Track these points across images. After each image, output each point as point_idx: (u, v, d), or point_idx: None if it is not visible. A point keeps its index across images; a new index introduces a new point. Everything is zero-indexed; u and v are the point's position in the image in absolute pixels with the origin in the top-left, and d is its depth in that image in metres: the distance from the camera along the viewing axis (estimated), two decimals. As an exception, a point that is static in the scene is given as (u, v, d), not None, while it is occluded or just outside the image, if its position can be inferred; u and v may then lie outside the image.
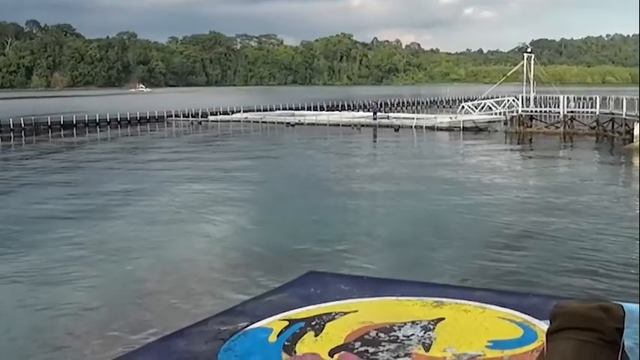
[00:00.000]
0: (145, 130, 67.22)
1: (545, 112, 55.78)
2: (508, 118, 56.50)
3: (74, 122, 69.02)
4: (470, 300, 4.59)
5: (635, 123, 44.74)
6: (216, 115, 77.47)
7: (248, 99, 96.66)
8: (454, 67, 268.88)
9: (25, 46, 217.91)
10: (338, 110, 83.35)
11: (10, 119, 64.96)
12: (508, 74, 70.39)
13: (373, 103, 78.07)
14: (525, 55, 64.59)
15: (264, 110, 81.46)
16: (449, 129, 57.80)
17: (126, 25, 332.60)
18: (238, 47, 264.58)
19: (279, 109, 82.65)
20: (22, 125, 65.12)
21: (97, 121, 70.63)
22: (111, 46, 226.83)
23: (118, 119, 72.58)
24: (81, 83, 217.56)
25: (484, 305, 4.50)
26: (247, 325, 4.29)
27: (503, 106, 57.70)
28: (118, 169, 38.70)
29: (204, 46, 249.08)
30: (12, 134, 62.20)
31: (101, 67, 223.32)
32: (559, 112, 54.34)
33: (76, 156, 47.19)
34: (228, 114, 78.68)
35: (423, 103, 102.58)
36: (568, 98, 54.37)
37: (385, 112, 73.50)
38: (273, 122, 68.61)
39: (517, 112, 55.88)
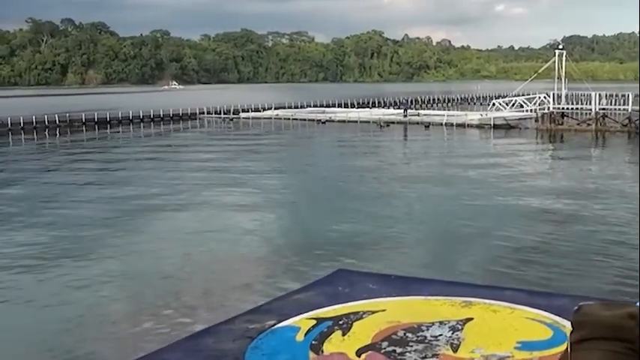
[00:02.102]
0: (177, 129, 67.47)
1: (577, 109, 55.15)
2: (539, 115, 55.95)
3: (108, 119, 69.63)
4: (499, 300, 4.53)
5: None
6: (247, 112, 77.62)
7: (279, 96, 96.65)
8: (485, 63, 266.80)
9: (60, 43, 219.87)
10: (368, 107, 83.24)
11: (45, 116, 65.68)
12: (539, 71, 69.74)
13: (404, 100, 77.72)
14: (557, 51, 63.96)
15: (295, 107, 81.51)
16: (479, 126, 57.37)
17: (159, 23, 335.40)
18: (270, 44, 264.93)
19: (310, 106, 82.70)
20: (57, 122, 65.78)
21: (131, 118, 71.17)
22: (144, 44, 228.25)
23: (151, 116, 73.05)
24: (115, 80, 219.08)
25: (513, 305, 4.44)
26: (275, 324, 4.27)
27: (535, 104, 57.20)
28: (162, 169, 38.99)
29: (236, 44, 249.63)
30: (47, 132, 62.85)
31: (135, 65, 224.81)
32: (591, 110, 53.69)
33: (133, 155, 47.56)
34: (260, 111, 78.76)
35: (453, 100, 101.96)
36: (600, 95, 53.68)
37: (415, 109, 73.14)
38: (304, 119, 68.61)
39: (548, 109, 55.33)
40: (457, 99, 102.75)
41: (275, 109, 78.78)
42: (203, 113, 76.65)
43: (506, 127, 56.04)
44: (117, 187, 30.98)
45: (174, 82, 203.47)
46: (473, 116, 60.99)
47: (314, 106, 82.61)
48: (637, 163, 37.47)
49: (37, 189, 31.61)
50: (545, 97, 56.38)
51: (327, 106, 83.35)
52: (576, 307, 1.52)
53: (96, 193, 29.62)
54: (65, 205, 27.01)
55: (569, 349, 1.48)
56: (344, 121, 64.97)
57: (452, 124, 58.46)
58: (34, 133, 61.22)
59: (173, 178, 33.37)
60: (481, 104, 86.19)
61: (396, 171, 35.29)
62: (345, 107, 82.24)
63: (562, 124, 54.85)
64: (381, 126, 60.87)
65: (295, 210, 25.85)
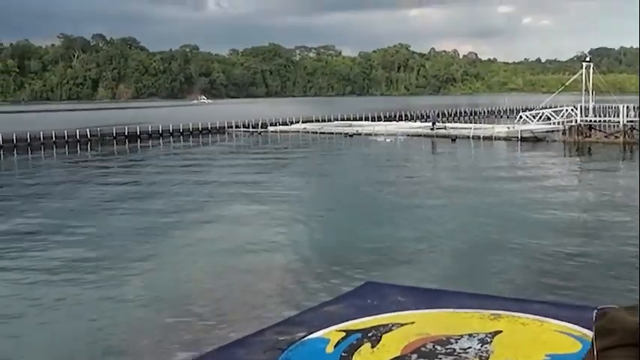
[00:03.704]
0: (206, 142, 67.81)
1: (605, 121, 54.71)
2: (566, 127, 55.56)
3: (138, 133, 70.22)
4: (527, 313, 4.52)
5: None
6: (275, 125, 77.87)
7: (307, 109, 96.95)
8: (512, 76, 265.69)
9: (92, 58, 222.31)
10: (395, 120, 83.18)
11: (77, 130, 66.41)
12: (567, 83, 69.31)
13: (432, 113, 77.46)
14: (584, 63, 63.47)
15: (322, 121, 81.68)
16: (507, 139, 57.07)
17: (188, 38, 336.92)
18: (297, 58, 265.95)
19: (337, 120, 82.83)
20: (88, 136, 66.46)
21: (160, 132, 71.72)
22: (174, 59, 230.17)
23: (181, 130, 73.57)
24: (145, 95, 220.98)
25: (542, 318, 4.42)
26: (305, 335, 4.29)
27: (562, 116, 56.81)
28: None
29: (264, 58, 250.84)
30: (78, 145, 63.52)
31: (164, 79, 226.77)
32: (618, 122, 53.24)
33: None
34: (287, 124, 79.01)
35: (480, 113, 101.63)
36: (628, 107, 53.23)
37: (442, 122, 72.88)
38: (332, 133, 68.69)
39: (576, 121, 54.95)
40: (484, 112, 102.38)
41: (302, 122, 79.00)
42: (232, 127, 76.94)
43: (533, 140, 55.69)
44: (160, 199, 31.31)
45: (203, 96, 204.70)
46: (500, 129, 60.69)
47: (341, 120, 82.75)
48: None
49: (82, 202, 31.95)
50: (572, 110, 55.99)
51: (354, 119, 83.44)
52: (597, 313, 1.48)
53: (133, 205, 29.86)
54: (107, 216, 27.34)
55: (595, 356, 1.44)
56: (371, 134, 64.95)
57: (479, 137, 58.23)
58: (66, 147, 61.87)
59: (208, 193, 33.38)
60: (508, 117, 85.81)
61: (428, 183, 35.10)
62: (372, 120, 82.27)
63: (590, 136, 54.40)
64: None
65: (330, 221, 25.97)
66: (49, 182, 39.93)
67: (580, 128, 54.48)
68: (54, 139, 63.69)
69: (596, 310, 1.49)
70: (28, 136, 62.71)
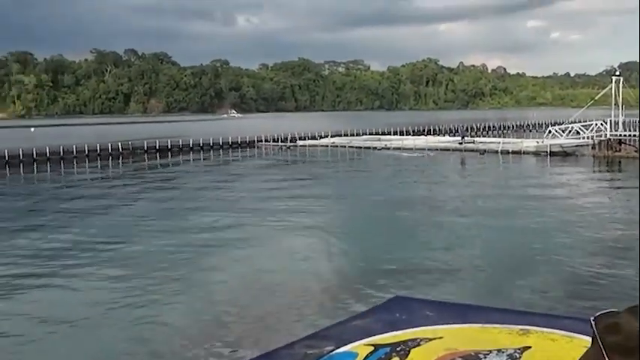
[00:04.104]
0: (236, 157, 67.92)
1: (634, 136, 54.14)
2: (596, 142, 55.05)
3: (169, 147, 70.75)
4: (557, 328, 4.48)
5: None
6: (304, 139, 78.05)
7: (335, 124, 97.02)
8: (541, 90, 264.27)
9: (124, 73, 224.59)
10: (424, 135, 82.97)
11: (109, 144, 67.07)
12: (596, 98, 68.67)
13: (460, 128, 77.11)
14: (614, 77, 62.94)
15: (351, 135, 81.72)
16: (535, 153, 56.65)
17: (218, 53, 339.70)
18: (326, 73, 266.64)
19: (366, 134, 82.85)
20: (120, 150, 67.08)
21: (191, 145, 72.20)
22: (204, 73, 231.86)
23: (211, 144, 73.97)
24: (176, 109, 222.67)
25: (572, 334, 4.37)
26: (333, 349, 4.28)
27: (591, 130, 56.32)
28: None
29: (294, 73, 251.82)
30: (110, 159, 64.11)
31: (195, 94, 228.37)
32: (649, 136, 52.69)
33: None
34: (316, 139, 79.17)
35: (509, 127, 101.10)
36: (658, 122, 52.70)
37: (471, 137, 72.59)
38: (360, 147, 68.69)
39: (605, 136, 54.44)
40: (513, 126, 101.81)
41: (331, 136, 79.09)
42: (261, 141, 77.26)
43: (562, 154, 55.23)
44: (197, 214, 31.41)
45: (233, 111, 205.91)
46: (529, 143, 60.30)
47: (370, 134, 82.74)
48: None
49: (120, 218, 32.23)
50: (602, 124, 55.50)
51: (383, 133, 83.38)
52: (596, 316, 1.45)
53: (175, 222, 29.94)
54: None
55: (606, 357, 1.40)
56: (399, 149, 64.82)
57: (507, 152, 57.87)
58: (98, 160, 62.48)
59: (247, 207, 33.30)
60: (537, 131, 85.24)
61: (461, 201, 34.28)
62: (400, 135, 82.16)
63: (619, 150, 53.85)
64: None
65: (362, 237, 25.93)
66: (92, 195, 40.31)
67: (610, 143, 53.95)
68: (86, 152, 64.35)
69: (593, 318, 1.46)
70: (61, 150, 63.39)
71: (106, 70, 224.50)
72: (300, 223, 28.17)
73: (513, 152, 57.61)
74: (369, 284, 18.01)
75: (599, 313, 1.47)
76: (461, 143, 64.24)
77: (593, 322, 1.46)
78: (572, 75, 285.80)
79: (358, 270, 20.06)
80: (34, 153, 61.50)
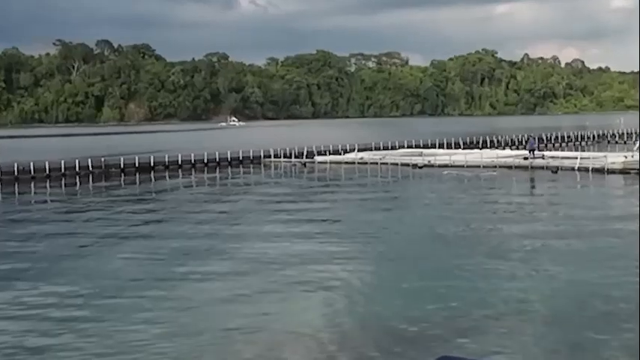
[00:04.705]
0: (237, 177, 67.64)
1: None
2: None
3: (152, 164, 70.80)
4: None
5: None
6: (324, 154, 77.91)
7: (364, 134, 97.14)
8: (629, 90, 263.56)
9: (95, 71, 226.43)
10: (478, 148, 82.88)
11: (77, 161, 67.16)
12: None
13: (530, 139, 76.37)
14: None
15: (384, 148, 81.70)
16: (623, 172, 56.35)
17: (215, 44, 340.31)
18: (353, 69, 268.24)
19: (404, 147, 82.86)
20: (90, 168, 67.13)
21: (180, 162, 72.12)
22: (197, 70, 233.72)
23: (205, 161, 73.92)
24: (160, 116, 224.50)
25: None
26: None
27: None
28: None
29: (311, 69, 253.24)
30: (77, 178, 64.21)
31: (185, 96, 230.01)
32: None
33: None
34: (340, 154, 79.05)
35: (588, 137, 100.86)
36: None
37: (539, 150, 72.15)
38: (396, 164, 68.54)
39: None
40: (593, 136, 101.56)
41: (359, 150, 79.09)
42: (269, 157, 77.16)
43: (658, 172, 54.94)
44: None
45: (234, 118, 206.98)
46: (615, 158, 60.06)
47: (408, 147, 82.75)
48: None
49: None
50: None
51: (425, 146, 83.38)
52: None
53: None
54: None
55: None
56: (447, 166, 64.63)
57: (587, 169, 57.60)
58: (62, 181, 62.60)
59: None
60: (625, 143, 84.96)
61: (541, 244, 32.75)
62: (448, 148, 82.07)
63: None
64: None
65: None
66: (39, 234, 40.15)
67: None
68: (47, 171, 64.45)
69: None
70: (15, 168, 63.57)
71: (73, 67, 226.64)
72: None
73: (595, 170, 57.31)
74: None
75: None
76: (526, 158, 63.93)
77: None
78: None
79: None
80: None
